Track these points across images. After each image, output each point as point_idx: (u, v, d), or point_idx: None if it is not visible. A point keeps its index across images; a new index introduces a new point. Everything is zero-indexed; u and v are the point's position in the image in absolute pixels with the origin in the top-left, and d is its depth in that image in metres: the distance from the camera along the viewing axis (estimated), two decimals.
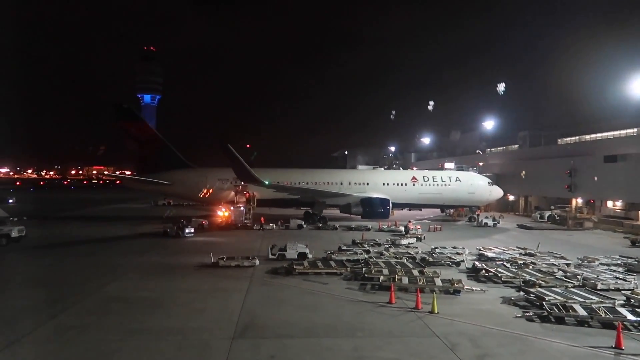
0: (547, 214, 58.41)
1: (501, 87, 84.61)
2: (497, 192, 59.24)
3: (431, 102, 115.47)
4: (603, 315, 18.77)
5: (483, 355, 15.68)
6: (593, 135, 68.70)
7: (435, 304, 20.37)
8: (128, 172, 67.22)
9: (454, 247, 35.07)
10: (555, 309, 19.50)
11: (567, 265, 29.50)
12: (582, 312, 19.13)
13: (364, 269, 26.93)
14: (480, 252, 33.72)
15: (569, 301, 20.35)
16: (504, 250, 34.37)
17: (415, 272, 26.03)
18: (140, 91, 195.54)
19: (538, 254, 33.01)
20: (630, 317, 18.68)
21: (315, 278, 26.59)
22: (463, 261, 30.71)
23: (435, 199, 58.03)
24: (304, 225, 50.30)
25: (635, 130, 59.22)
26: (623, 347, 16.23)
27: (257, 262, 29.67)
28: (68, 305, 20.67)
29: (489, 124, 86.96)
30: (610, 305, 19.99)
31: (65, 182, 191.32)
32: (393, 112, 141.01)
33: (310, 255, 31.43)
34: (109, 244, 38.89)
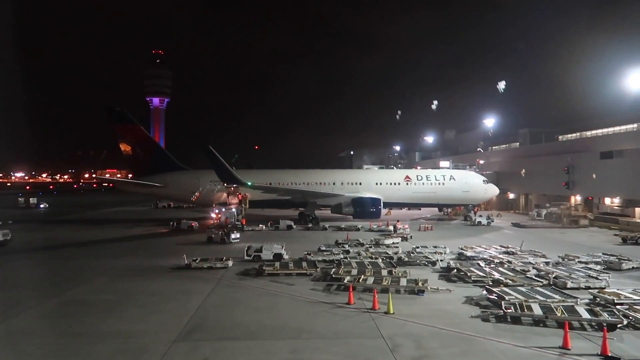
0: (544, 211, 57.40)
1: (501, 85, 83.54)
2: (492, 190, 58.42)
3: (435, 102, 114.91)
4: (559, 314, 18.25)
5: (422, 356, 15.31)
6: (593, 132, 67.42)
7: (391, 304, 20.02)
8: None
9: (435, 247, 34.53)
10: (513, 309, 19.05)
11: (546, 263, 28.89)
12: (538, 311, 18.64)
13: (333, 269, 26.64)
14: (460, 251, 33.25)
15: (529, 300, 19.88)
16: (484, 249, 33.79)
17: (384, 272, 25.71)
18: (149, 95, 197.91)
19: (519, 253, 32.44)
20: (586, 316, 18.14)
21: (284, 279, 26.41)
22: (438, 260, 30.25)
23: (429, 197, 57.41)
24: (294, 226, 50.08)
25: (633, 126, 58.01)
26: (570, 347, 15.75)
27: (231, 263, 29.59)
28: (24, 308, 20.74)
29: (490, 122, 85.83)
30: (571, 304, 19.46)
31: (75, 186, 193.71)
32: (399, 112, 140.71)
33: (286, 256, 31.26)
34: (98, 246, 39.05)
